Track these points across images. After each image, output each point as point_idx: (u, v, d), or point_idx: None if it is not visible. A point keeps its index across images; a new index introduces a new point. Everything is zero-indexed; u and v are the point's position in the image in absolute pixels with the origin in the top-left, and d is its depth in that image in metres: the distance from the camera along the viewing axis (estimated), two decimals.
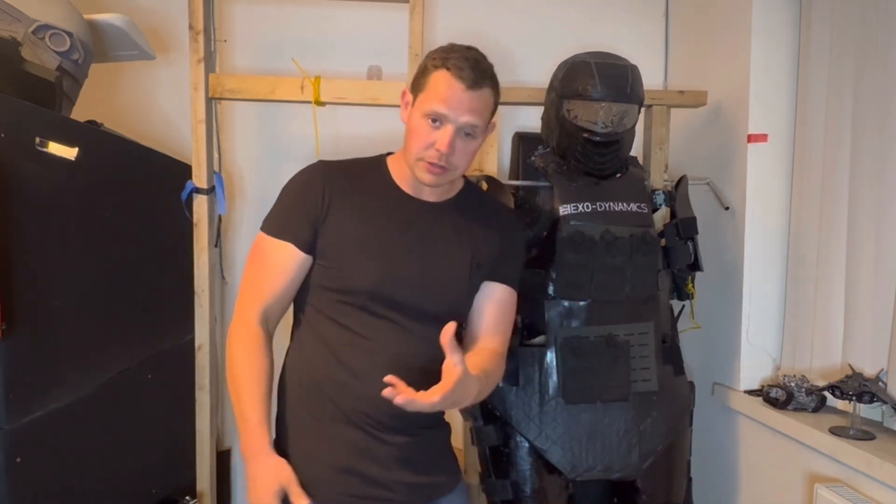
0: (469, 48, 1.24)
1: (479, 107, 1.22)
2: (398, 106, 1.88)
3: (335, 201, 1.28)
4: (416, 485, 1.28)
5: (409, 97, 1.28)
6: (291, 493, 1.19)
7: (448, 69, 1.20)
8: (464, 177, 1.39)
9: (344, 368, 1.26)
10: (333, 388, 1.26)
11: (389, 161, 1.36)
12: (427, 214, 1.32)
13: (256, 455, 1.21)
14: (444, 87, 1.20)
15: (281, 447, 1.30)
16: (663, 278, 1.80)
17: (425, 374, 1.15)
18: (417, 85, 1.25)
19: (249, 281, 1.30)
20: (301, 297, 1.33)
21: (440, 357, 1.09)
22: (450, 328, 1.06)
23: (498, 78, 1.27)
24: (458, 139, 1.21)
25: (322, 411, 1.28)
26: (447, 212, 1.34)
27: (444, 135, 1.20)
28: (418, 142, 1.23)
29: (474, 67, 1.20)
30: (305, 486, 1.22)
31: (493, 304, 1.37)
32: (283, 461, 1.22)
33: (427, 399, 1.06)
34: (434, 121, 1.21)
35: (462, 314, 1.36)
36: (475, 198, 1.41)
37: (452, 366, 1.07)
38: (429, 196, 1.33)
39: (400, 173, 1.33)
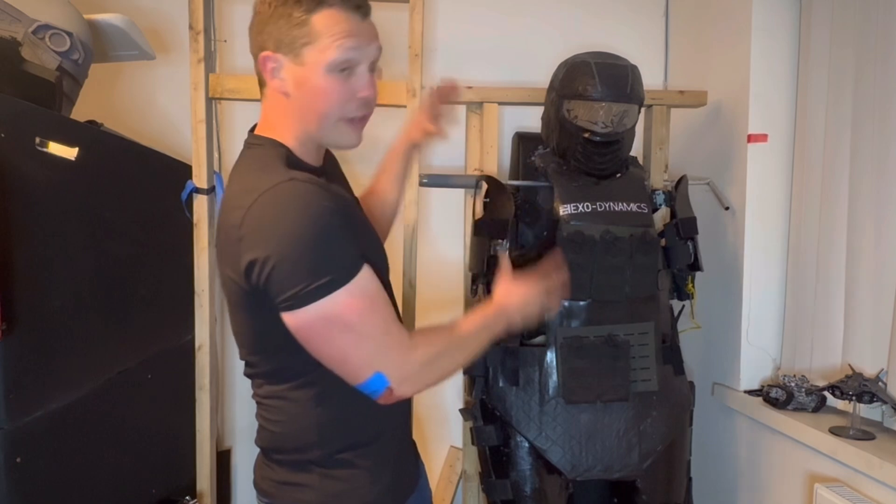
0: None
1: (376, 32, 1.08)
2: (399, 106, 1.91)
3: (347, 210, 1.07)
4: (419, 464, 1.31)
5: (280, 59, 1.03)
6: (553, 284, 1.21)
7: (331, 6, 1.01)
8: None
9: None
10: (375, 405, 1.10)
11: (282, 142, 1.09)
12: (340, 179, 1.20)
13: (501, 309, 1.15)
14: (344, 24, 1.01)
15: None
16: (663, 278, 1.80)
17: None
18: (292, 40, 1.02)
19: (375, 333, 1.00)
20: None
21: None
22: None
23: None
24: (371, 76, 1.07)
25: (374, 440, 1.15)
26: (336, 163, 1.22)
27: (361, 78, 1.04)
28: (331, 100, 1.03)
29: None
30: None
31: None
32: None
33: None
34: (343, 70, 1.02)
35: None
36: None
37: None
38: (320, 160, 1.14)
39: (302, 149, 1.09)
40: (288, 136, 1.08)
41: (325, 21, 1.00)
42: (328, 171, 1.17)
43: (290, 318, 0.98)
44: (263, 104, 1.11)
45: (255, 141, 1.11)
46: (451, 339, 1.09)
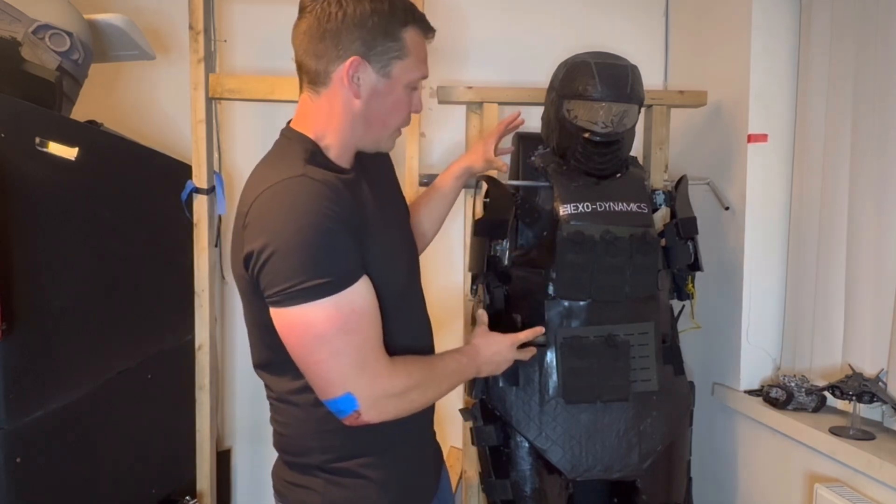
0: None
1: None
2: None
3: (359, 211, 1.04)
4: (437, 470, 1.31)
5: (367, 67, 1.02)
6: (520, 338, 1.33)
7: (416, 25, 1.04)
8: None
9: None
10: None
11: (315, 140, 1.09)
12: (372, 186, 1.14)
13: (478, 352, 1.26)
14: (423, 47, 1.07)
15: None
16: (663, 278, 1.80)
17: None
18: (385, 50, 1.02)
19: (350, 351, 0.97)
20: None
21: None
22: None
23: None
24: None
25: (399, 446, 1.15)
26: (373, 170, 1.19)
27: (418, 97, 1.11)
28: (403, 114, 1.09)
29: (424, 15, 1.08)
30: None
31: None
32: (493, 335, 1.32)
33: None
34: (413, 88, 1.08)
35: None
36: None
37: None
38: (351, 162, 1.13)
39: (331, 149, 1.09)
40: (330, 136, 1.07)
41: (412, 40, 1.04)
42: (369, 170, 1.16)
43: (275, 315, 0.97)
44: (312, 101, 1.09)
45: (287, 133, 1.11)
46: (428, 374, 1.08)
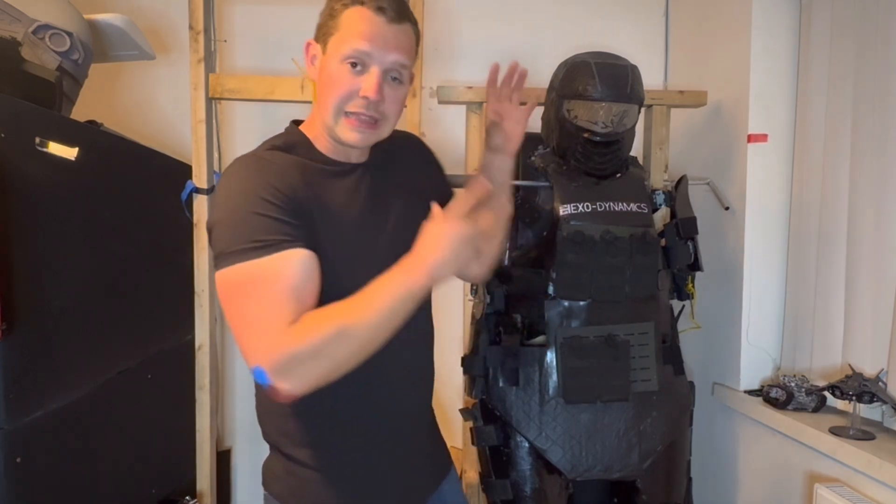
0: None
1: (406, 43, 1.06)
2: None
3: (305, 192, 1.04)
4: (413, 486, 1.23)
5: (317, 48, 1.08)
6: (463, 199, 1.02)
7: (363, 4, 1.03)
8: None
9: (337, 399, 1.08)
10: (330, 419, 1.11)
11: (305, 131, 1.13)
12: (370, 182, 1.13)
13: (417, 264, 0.96)
14: (365, 22, 1.02)
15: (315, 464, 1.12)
16: (663, 278, 1.80)
17: (412, 354, 1.16)
18: (326, 30, 1.05)
19: (255, 315, 0.94)
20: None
21: (421, 335, 1.13)
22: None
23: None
24: (385, 85, 1.04)
25: (328, 449, 1.12)
26: (381, 170, 1.15)
27: (370, 79, 1.03)
28: (336, 91, 1.03)
29: (391, 2, 1.05)
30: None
31: None
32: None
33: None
34: (355, 65, 1.03)
35: None
36: (388, 140, 1.17)
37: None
38: (358, 157, 1.13)
39: (318, 139, 1.11)
40: (313, 125, 1.12)
41: (351, 16, 1.03)
42: (385, 175, 1.14)
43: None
44: None
45: (286, 129, 1.16)
46: (347, 316, 0.94)
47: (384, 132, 1.09)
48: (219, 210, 1.00)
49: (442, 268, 0.96)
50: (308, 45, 1.10)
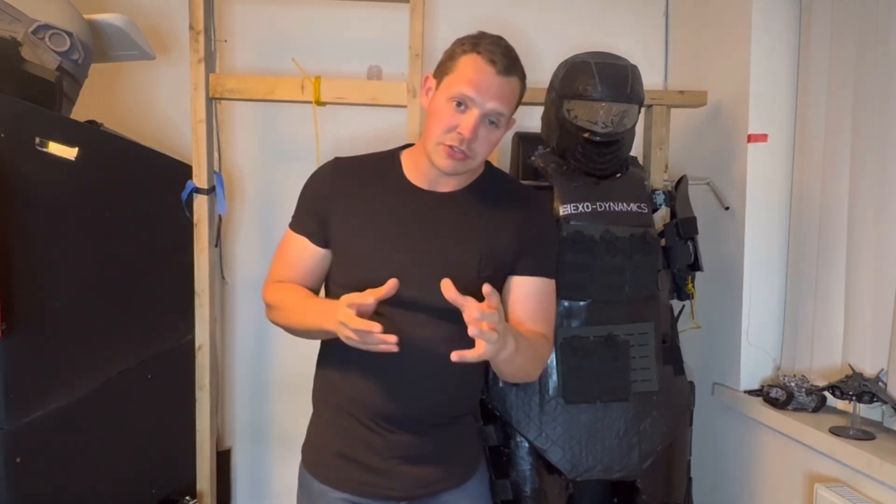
0: (500, 37, 1.23)
1: (508, 94, 1.19)
2: (398, 106, 1.91)
3: (343, 196, 1.28)
4: (421, 478, 1.29)
5: (432, 82, 1.25)
6: (355, 300, 1.11)
7: (479, 53, 1.18)
8: (488, 162, 1.35)
9: (347, 362, 1.28)
10: (338, 380, 1.31)
11: (404, 155, 1.33)
12: (436, 207, 1.28)
13: (327, 315, 1.16)
14: (474, 70, 1.17)
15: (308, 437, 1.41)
16: (663, 278, 1.80)
17: (432, 369, 1.24)
18: (443, 68, 1.22)
19: (274, 267, 1.37)
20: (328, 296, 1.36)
21: (442, 352, 1.10)
22: (448, 283, 1.06)
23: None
24: (481, 126, 1.19)
25: (328, 402, 1.35)
26: (461, 202, 1.29)
27: (468, 119, 1.17)
28: (440, 124, 1.19)
29: (506, 54, 1.19)
30: (312, 469, 1.35)
31: (530, 297, 1.31)
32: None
33: (475, 352, 1.06)
34: (459, 104, 1.18)
35: None
36: (498, 184, 1.34)
37: (475, 310, 1.03)
38: (444, 187, 1.29)
39: (414, 166, 1.30)
40: (417, 148, 1.31)
41: (468, 61, 1.19)
42: (460, 198, 1.30)
43: None
44: None
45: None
46: (286, 309, 1.28)
47: (472, 165, 1.24)
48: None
49: (334, 328, 1.13)
50: (426, 78, 1.27)
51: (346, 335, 1.10)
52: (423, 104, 1.27)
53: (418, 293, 1.20)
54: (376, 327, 1.06)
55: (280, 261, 1.35)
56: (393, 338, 1.07)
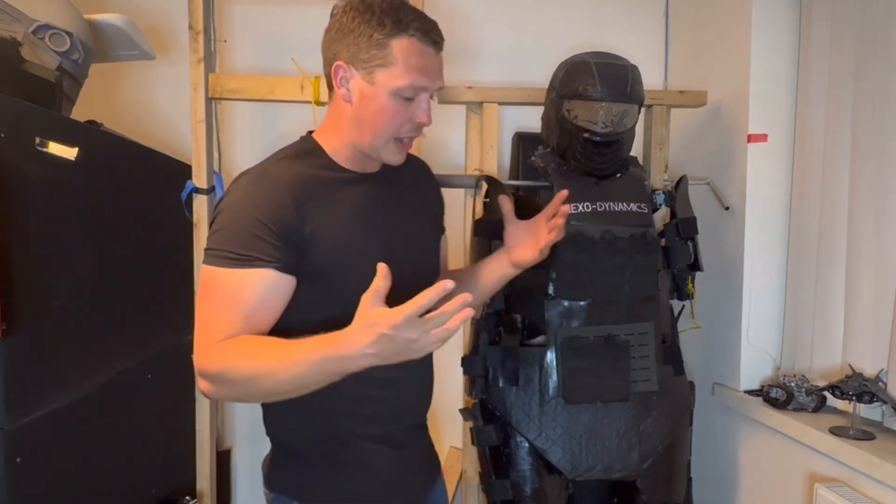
0: (410, 5, 1.10)
1: (443, 66, 1.13)
2: None
3: (307, 208, 1.07)
4: (420, 483, 1.30)
5: (351, 72, 1.09)
6: (370, 296, 0.90)
7: (412, 35, 1.06)
8: None
9: (361, 385, 1.06)
10: (329, 397, 1.05)
11: (323, 144, 1.17)
12: (382, 190, 1.19)
13: (335, 345, 0.92)
14: (419, 56, 1.07)
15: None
16: (663, 278, 1.80)
17: (421, 367, 1.23)
18: (368, 58, 1.06)
19: (207, 323, 1.04)
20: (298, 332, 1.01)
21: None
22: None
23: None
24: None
25: (313, 428, 1.17)
26: (392, 180, 1.21)
27: (422, 105, 1.10)
28: (391, 122, 1.09)
29: (434, 26, 1.09)
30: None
31: (443, 256, 1.39)
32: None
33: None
34: (406, 97, 1.09)
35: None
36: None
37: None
38: (371, 167, 1.19)
39: (337, 151, 1.16)
40: (335, 138, 1.16)
41: (403, 49, 1.05)
42: (393, 184, 1.21)
43: None
44: (328, 105, 1.19)
45: (301, 138, 1.22)
46: (265, 366, 0.96)
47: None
48: (218, 216, 1.08)
49: (364, 361, 0.91)
50: (338, 66, 1.10)
51: (410, 344, 0.88)
52: (340, 95, 1.11)
53: (409, 285, 0.99)
54: (452, 305, 0.86)
55: (229, 313, 1.01)
56: (466, 296, 0.86)
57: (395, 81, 1.06)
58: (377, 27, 1.06)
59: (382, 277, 0.90)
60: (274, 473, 1.21)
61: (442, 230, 1.39)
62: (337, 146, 1.16)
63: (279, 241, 1.04)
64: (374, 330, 0.88)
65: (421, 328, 0.87)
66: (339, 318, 0.93)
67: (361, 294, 0.92)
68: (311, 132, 1.22)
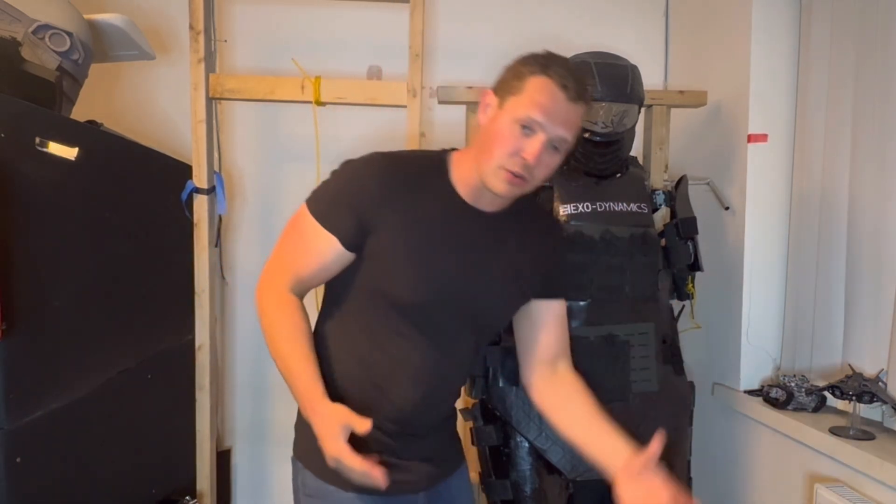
0: (567, 59, 1.18)
1: (574, 120, 1.15)
2: (398, 106, 1.91)
3: (390, 206, 1.18)
4: (432, 473, 1.32)
5: (493, 99, 1.18)
6: (353, 425, 1.09)
7: (550, 77, 1.13)
8: None
9: (368, 374, 1.23)
10: (355, 390, 1.23)
11: (452, 163, 1.25)
12: (480, 226, 1.24)
13: (315, 409, 1.13)
14: (546, 94, 1.12)
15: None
16: (663, 278, 1.80)
17: (445, 383, 1.28)
18: (508, 88, 1.16)
19: (284, 253, 1.23)
20: (337, 293, 1.26)
21: (461, 368, 1.25)
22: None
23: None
24: (545, 151, 1.14)
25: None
26: (500, 225, 1.26)
27: (534, 144, 1.13)
28: (503, 147, 1.13)
29: (578, 81, 1.14)
30: (338, 482, 1.21)
31: (557, 320, 1.36)
32: (338, 405, 1.12)
33: None
34: (525, 128, 1.13)
35: (496, 330, 1.37)
36: (528, 208, 1.32)
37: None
38: (486, 206, 1.23)
39: (462, 177, 1.23)
40: (467, 159, 1.23)
41: (535, 84, 1.13)
42: (494, 218, 1.24)
43: None
44: None
45: (442, 149, 1.30)
46: (276, 344, 1.18)
47: (527, 189, 1.18)
48: (334, 173, 1.23)
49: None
50: (485, 93, 1.20)
51: (336, 465, 1.08)
52: (480, 120, 1.21)
53: (452, 314, 1.23)
54: (376, 473, 1.06)
55: (295, 251, 1.22)
56: (383, 480, 1.07)
57: (517, 110, 1.13)
58: (527, 66, 1.15)
59: (362, 428, 1.07)
60: (295, 436, 1.31)
61: (547, 296, 1.34)
62: (463, 167, 1.23)
63: (355, 219, 1.18)
64: (323, 437, 1.09)
65: (343, 467, 1.07)
66: (383, 296, 1.18)
67: (402, 294, 1.18)
68: (454, 149, 1.29)
